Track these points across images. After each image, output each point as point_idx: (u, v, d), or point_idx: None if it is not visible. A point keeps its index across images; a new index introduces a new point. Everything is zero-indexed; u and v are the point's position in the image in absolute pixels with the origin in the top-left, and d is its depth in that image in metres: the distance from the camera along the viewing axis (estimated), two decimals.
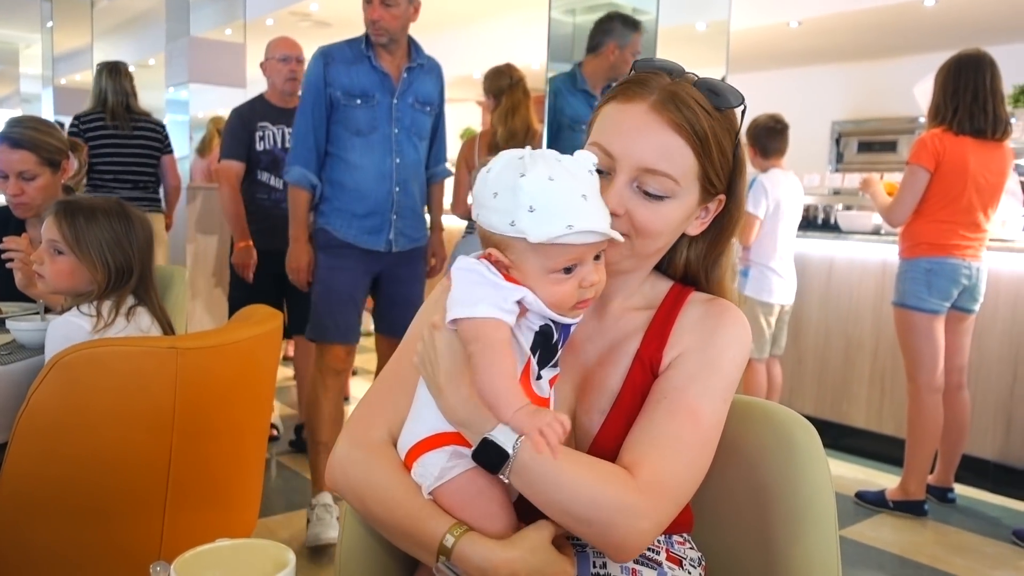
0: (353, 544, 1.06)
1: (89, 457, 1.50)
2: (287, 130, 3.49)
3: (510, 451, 0.83)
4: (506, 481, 0.86)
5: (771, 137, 3.64)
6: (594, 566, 0.96)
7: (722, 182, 0.99)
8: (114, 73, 3.96)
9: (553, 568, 0.87)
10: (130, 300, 1.72)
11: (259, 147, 3.50)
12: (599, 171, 0.92)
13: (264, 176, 3.53)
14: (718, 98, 0.95)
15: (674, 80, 0.96)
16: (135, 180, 4.03)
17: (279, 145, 3.49)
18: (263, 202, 3.54)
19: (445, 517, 0.88)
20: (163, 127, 4.18)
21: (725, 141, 0.96)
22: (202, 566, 0.70)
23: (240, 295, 3.57)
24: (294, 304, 3.53)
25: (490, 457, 0.84)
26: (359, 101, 2.62)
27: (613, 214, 0.90)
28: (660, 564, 0.99)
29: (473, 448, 0.86)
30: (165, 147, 4.15)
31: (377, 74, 2.64)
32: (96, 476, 1.51)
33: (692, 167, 0.94)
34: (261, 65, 3.58)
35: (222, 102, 5.93)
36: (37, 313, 1.97)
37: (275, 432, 3.75)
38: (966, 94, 2.99)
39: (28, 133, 2.20)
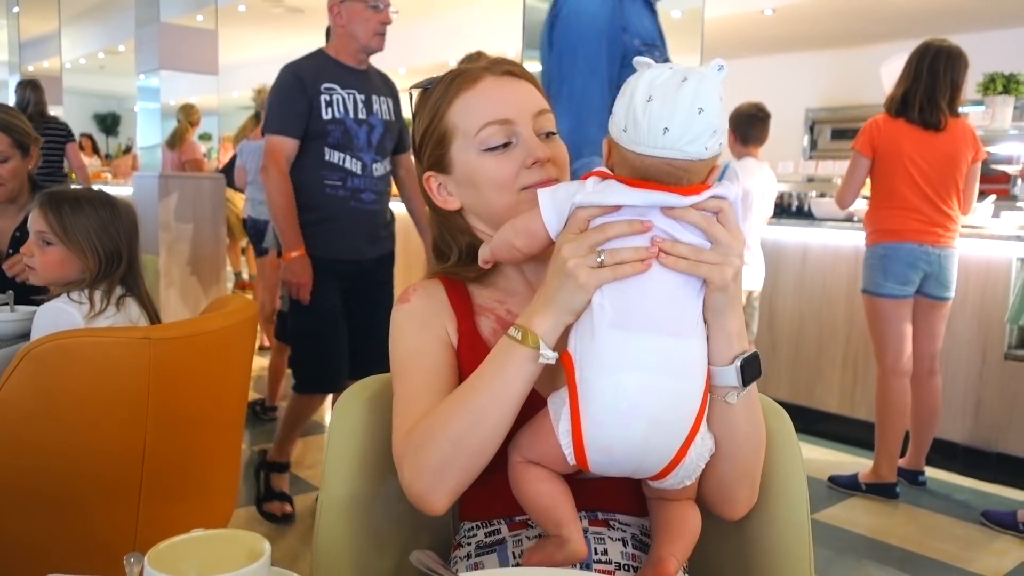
0: (330, 534, 1.05)
1: (62, 448, 1.48)
2: (359, 98, 2.64)
3: (762, 368, 0.91)
4: (735, 400, 0.90)
5: (752, 125, 3.66)
6: (595, 552, 0.95)
7: None
8: (36, 88, 4.89)
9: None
10: (119, 289, 1.72)
11: (326, 115, 2.58)
12: (504, 144, 0.98)
13: (336, 156, 2.61)
14: None
15: (471, 60, 1.05)
16: (48, 168, 4.77)
17: (351, 115, 2.62)
18: (335, 191, 2.62)
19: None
20: (66, 125, 5.06)
21: None
22: (176, 557, 0.70)
23: (303, 322, 2.68)
24: (364, 340, 2.73)
25: (755, 370, 0.90)
26: (657, 55, 1.89)
27: (545, 161, 0.98)
28: None
29: (744, 359, 0.88)
30: (68, 138, 4.96)
31: (656, 19, 1.94)
32: (69, 467, 1.49)
33: (545, 102, 1.03)
34: (331, 8, 2.64)
35: (194, 89, 5.86)
36: (6, 304, 1.94)
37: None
38: (907, 82, 3.05)
39: (0, 115, 2.19)
